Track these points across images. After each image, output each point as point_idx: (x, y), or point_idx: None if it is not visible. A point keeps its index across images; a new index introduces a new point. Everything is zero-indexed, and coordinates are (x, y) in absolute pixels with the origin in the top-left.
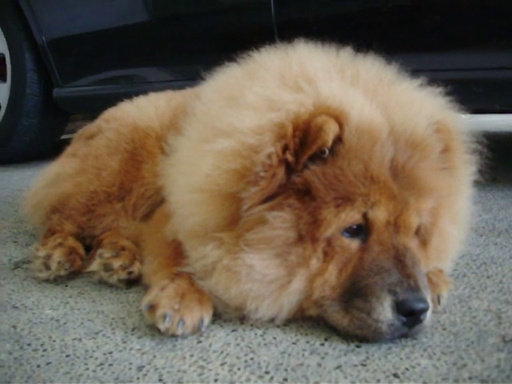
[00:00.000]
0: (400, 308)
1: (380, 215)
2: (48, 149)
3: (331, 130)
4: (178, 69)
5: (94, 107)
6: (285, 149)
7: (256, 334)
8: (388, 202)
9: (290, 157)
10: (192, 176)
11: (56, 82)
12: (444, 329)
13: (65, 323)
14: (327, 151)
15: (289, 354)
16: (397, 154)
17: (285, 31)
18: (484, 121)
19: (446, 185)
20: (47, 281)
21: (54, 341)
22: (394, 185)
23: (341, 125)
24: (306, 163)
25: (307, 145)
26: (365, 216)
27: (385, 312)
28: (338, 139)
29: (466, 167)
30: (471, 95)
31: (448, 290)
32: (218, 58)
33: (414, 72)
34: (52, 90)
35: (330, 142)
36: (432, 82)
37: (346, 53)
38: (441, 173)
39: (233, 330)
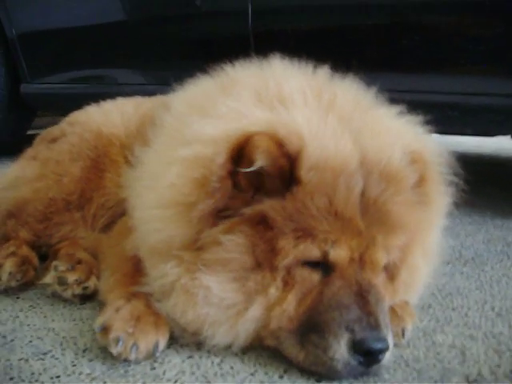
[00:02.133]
0: (357, 347)
1: (342, 254)
2: (13, 144)
3: (261, 149)
4: (150, 73)
5: (62, 106)
6: (230, 160)
7: (213, 363)
8: (350, 240)
9: (233, 168)
10: (157, 189)
11: (24, 78)
12: (407, 365)
13: (12, 340)
14: (251, 169)
15: None
16: (369, 187)
17: (261, 42)
18: (452, 141)
19: (419, 219)
20: None
21: None
22: (362, 220)
23: (287, 152)
24: (257, 195)
25: (242, 160)
26: (326, 255)
27: (341, 350)
28: (289, 169)
29: (441, 199)
30: (446, 119)
31: (413, 322)
32: (192, 64)
33: (390, 91)
34: (19, 85)
35: (257, 161)
36: (407, 103)
37: (324, 73)
38: (414, 207)
39: (189, 357)
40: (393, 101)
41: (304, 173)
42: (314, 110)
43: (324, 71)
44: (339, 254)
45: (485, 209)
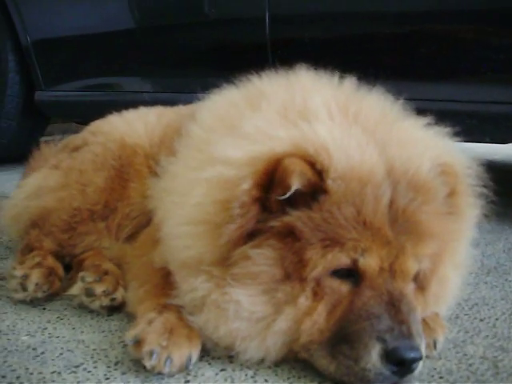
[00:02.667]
0: (390, 357)
1: (372, 262)
2: (27, 152)
3: (296, 173)
4: (164, 81)
5: (77, 113)
6: (257, 186)
7: (247, 375)
8: (380, 249)
9: (259, 193)
10: (185, 206)
11: (39, 85)
12: (441, 377)
13: (42, 353)
14: (290, 193)
15: None
16: (397, 196)
17: (279, 50)
18: (462, 147)
19: (449, 230)
20: (23, 302)
21: (31, 373)
22: (391, 229)
23: (316, 169)
24: (284, 208)
25: (274, 185)
26: (355, 262)
27: (372, 361)
28: (320, 183)
29: (471, 211)
30: (464, 127)
31: (444, 334)
32: (206, 72)
33: (408, 100)
34: (33, 92)
35: (293, 187)
36: (425, 111)
37: (350, 85)
38: (445, 217)
39: (222, 370)
40: (413, 110)
41: (331, 183)
42: (338, 124)
43: (350, 83)
44: (369, 262)
45: (503, 217)
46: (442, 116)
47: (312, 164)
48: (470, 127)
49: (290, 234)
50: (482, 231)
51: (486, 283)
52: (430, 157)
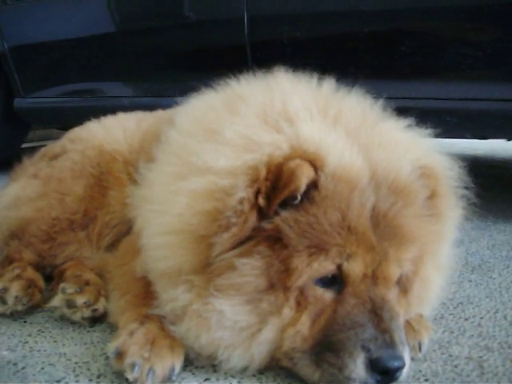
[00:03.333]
0: (374, 366)
1: (356, 268)
2: (7, 159)
3: (304, 175)
4: (144, 85)
5: (57, 120)
6: (257, 193)
7: None
8: (365, 254)
9: (262, 201)
10: (165, 215)
11: (18, 92)
12: (426, 379)
13: (23, 368)
14: (299, 197)
15: None
16: (378, 201)
17: (258, 51)
18: (446, 143)
19: (430, 232)
20: (3, 315)
21: None
22: (374, 235)
23: (316, 170)
24: (277, 209)
25: (279, 189)
26: (339, 268)
27: (357, 370)
28: (313, 185)
29: (453, 212)
30: (444, 125)
31: (429, 335)
32: (186, 75)
33: (388, 99)
34: (13, 99)
35: (302, 188)
36: (405, 110)
37: (329, 86)
38: (425, 220)
39: (205, 379)
40: (394, 109)
41: (323, 180)
42: (321, 126)
43: (329, 84)
44: (353, 267)
45: (486, 213)
46: (423, 114)
47: (313, 164)
48: (451, 125)
49: (278, 241)
50: (466, 228)
51: (470, 281)
52: (411, 159)
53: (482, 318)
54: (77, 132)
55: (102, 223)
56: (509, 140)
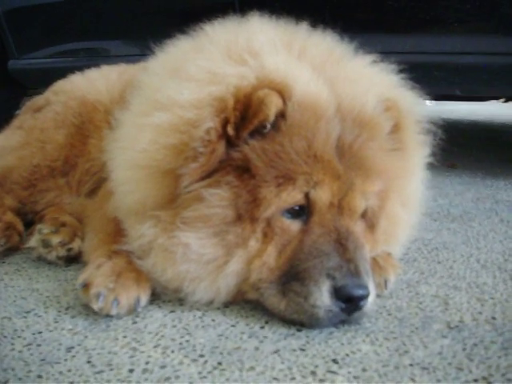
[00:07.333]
0: (338, 294)
1: (323, 195)
2: (1, 124)
3: (273, 103)
4: (139, 42)
5: (52, 81)
6: (225, 123)
7: (194, 316)
8: (332, 182)
9: (230, 131)
10: (130, 151)
11: (11, 54)
12: (389, 314)
13: None
14: (269, 126)
15: (226, 337)
16: (344, 133)
17: (246, 7)
18: (447, 109)
19: (395, 166)
20: None
21: None
22: (340, 165)
23: (284, 99)
24: (245, 138)
25: (248, 119)
26: (307, 196)
27: (322, 297)
28: (281, 114)
29: (418, 148)
30: (432, 80)
31: (396, 274)
32: (179, 31)
33: (376, 53)
34: (7, 61)
35: (272, 117)
36: (393, 64)
37: (298, 28)
38: (390, 154)
39: (171, 311)
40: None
41: (290, 110)
42: (287, 58)
43: (299, 26)
44: (320, 195)
45: (476, 170)
46: (411, 69)
47: (280, 93)
48: (439, 79)
49: (246, 171)
50: (453, 183)
51: (449, 229)
52: (376, 93)
53: (454, 261)
54: (60, 84)
55: (82, 170)
56: (505, 102)
